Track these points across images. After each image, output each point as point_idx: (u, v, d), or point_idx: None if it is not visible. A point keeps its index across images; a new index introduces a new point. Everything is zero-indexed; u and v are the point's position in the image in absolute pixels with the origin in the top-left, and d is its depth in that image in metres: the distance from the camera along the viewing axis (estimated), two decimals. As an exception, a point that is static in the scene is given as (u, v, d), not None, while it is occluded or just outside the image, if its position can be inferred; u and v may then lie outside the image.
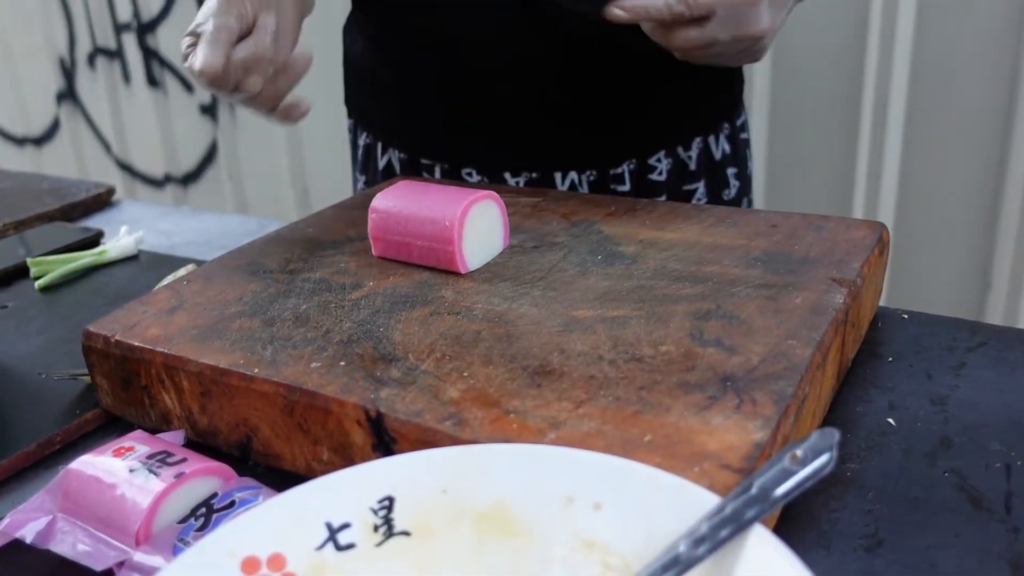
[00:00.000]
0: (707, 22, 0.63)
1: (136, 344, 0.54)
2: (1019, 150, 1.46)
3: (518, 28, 0.78)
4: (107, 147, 2.75)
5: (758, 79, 1.64)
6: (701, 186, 0.90)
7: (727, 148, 0.91)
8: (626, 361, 0.47)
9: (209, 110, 2.45)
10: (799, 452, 0.34)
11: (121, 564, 0.42)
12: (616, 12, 0.63)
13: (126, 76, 2.60)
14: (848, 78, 1.56)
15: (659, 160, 0.88)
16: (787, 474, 0.34)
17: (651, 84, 0.84)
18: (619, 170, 0.88)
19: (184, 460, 0.45)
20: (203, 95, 2.45)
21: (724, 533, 0.32)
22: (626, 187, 0.88)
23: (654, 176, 0.88)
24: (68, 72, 2.74)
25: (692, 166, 0.89)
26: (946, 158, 1.53)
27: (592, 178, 0.87)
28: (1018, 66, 1.43)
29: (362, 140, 0.98)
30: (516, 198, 0.73)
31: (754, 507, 0.33)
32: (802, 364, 0.45)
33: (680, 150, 0.89)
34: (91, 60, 2.66)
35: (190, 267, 0.76)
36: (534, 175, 0.88)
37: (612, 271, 0.58)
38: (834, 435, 0.34)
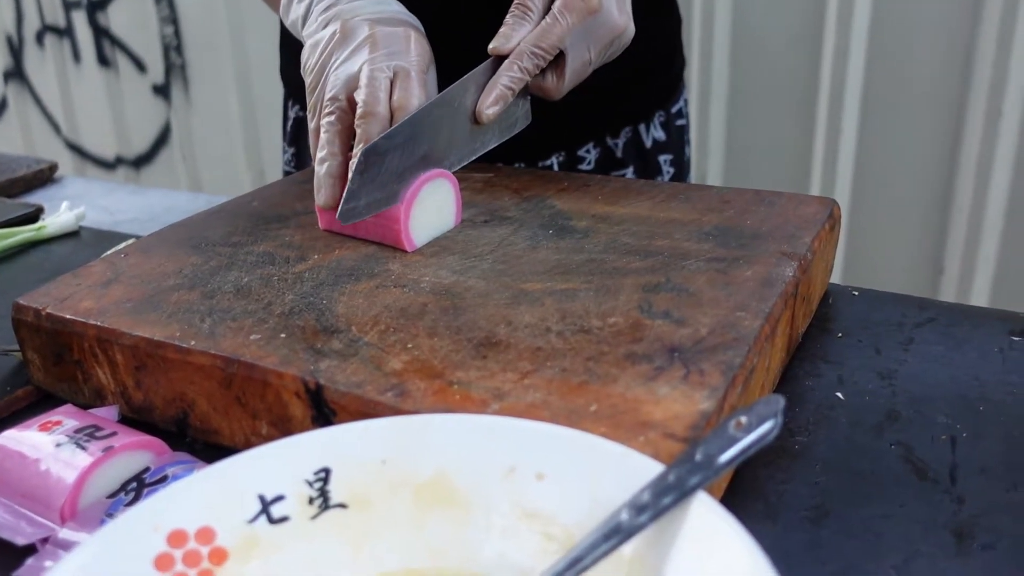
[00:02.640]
0: (566, 56, 0.62)
1: (68, 317, 0.52)
2: (972, 133, 1.48)
3: (444, 20, 0.76)
4: (56, 128, 2.68)
5: (717, 58, 1.64)
6: (629, 173, 0.90)
7: (660, 135, 0.91)
8: (573, 333, 0.46)
9: (162, 90, 2.40)
10: (744, 419, 0.33)
11: (45, 540, 0.40)
12: (487, 114, 0.61)
13: (76, 55, 2.53)
14: (806, 58, 1.57)
15: (588, 151, 0.88)
16: (731, 441, 0.33)
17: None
18: (548, 162, 0.87)
19: (114, 434, 0.44)
20: (156, 75, 2.39)
21: (667, 500, 0.32)
22: None
23: (583, 167, 0.88)
24: (15, 50, 2.66)
25: (618, 153, 0.89)
26: (901, 140, 1.54)
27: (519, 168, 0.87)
28: (972, 51, 1.44)
29: (293, 112, 0.96)
30: (468, 173, 0.72)
31: (697, 474, 0.32)
32: (750, 335, 0.45)
33: (608, 139, 0.88)
34: (39, 38, 2.59)
35: (130, 242, 0.74)
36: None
37: (563, 245, 0.57)
38: (779, 401, 0.33)
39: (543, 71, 0.63)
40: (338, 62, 0.61)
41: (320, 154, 0.59)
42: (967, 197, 1.51)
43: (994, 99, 1.44)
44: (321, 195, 0.59)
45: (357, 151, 0.57)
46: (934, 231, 1.57)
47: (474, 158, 0.64)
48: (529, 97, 0.66)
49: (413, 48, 0.62)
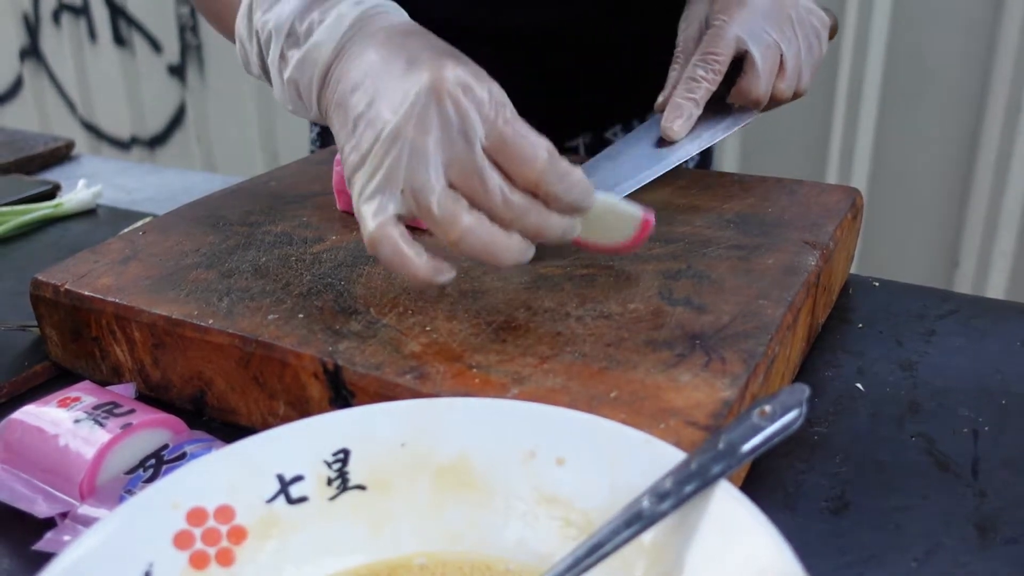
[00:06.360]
0: (751, 52, 0.60)
1: (86, 294, 0.52)
2: (992, 126, 1.46)
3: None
4: (72, 107, 2.68)
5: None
6: None
7: None
8: (593, 318, 0.46)
9: (177, 71, 2.40)
10: (768, 408, 0.33)
11: (64, 515, 0.40)
12: (674, 129, 0.59)
13: (92, 34, 2.53)
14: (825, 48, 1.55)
15: (615, 133, 0.87)
16: (755, 430, 0.32)
17: (611, 59, 0.83)
18: (574, 143, 0.86)
19: (132, 411, 0.44)
20: (171, 55, 2.39)
21: (689, 488, 0.31)
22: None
23: None
24: (32, 28, 2.66)
25: None
26: (920, 132, 1.53)
27: None
28: (994, 43, 1.43)
29: None
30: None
31: (720, 463, 0.32)
32: (773, 324, 0.44)
33: (635, 123, 0.88)
34: (56, 16, 2.59)
35: (148, 220, 0.73)
36: None
37: (582, 230, 0.57)
38: (804, 391, 0.33)
39: (736, 78, 0.61)
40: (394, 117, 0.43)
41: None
42: (984, 191, 1.50)
43: (1015, 92, 1.43)
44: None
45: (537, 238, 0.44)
46: (951, 224, 1.56)
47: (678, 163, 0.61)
48: (738, 105, 0.63)
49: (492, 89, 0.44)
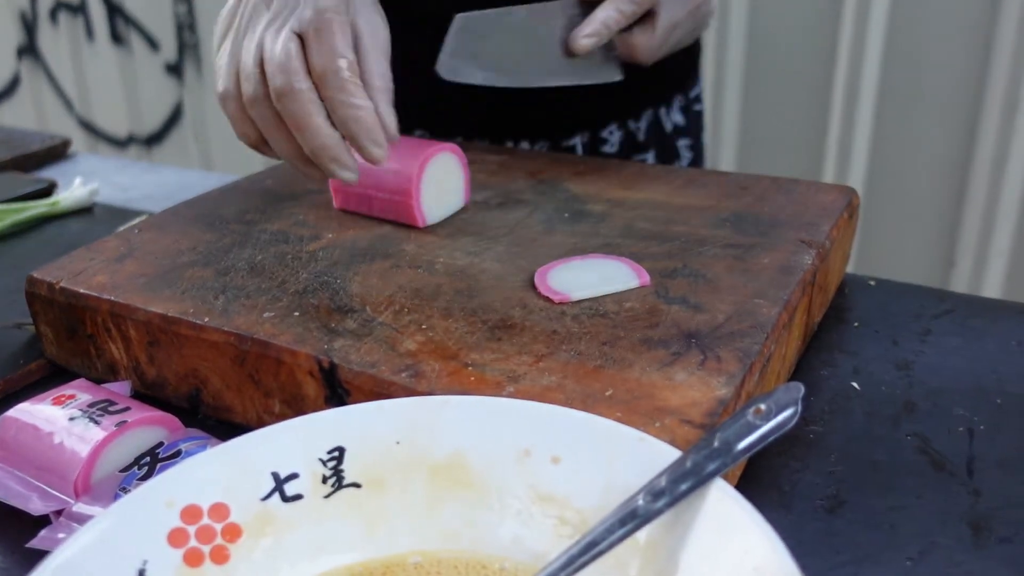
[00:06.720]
0: (657, 13, 0.62)
1: (81, 291, 0.52)
2: (988, 126, 1.46)
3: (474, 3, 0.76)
4: (69, 105, 2.68)
5: (732, 47, 1.63)
6: (650, 157, 0.89)
7: (680, 120, 0.90)
8: (589, 317, 0.46)
9: (174, 69, 2.40)
10: (763, 406, 0.33)
11: (59, 513, 0.40)
12: (582, 43, 0.61)
13: (89, 32, 2.52)
14: (821, 48, 1.56)
15: (611, 133, 0.87)
16: (750, 428, 0.32)
17: None
18: (571, 142, 0.87)
19: (127, 409, 0.43)
20: (168, 53, 2.39)
21: (684, 487, 0.31)
22: None
23: (606, 148, 0.88)
24: (29, 27, 2.66)
25: (640, 137, 0.88)
26: (916, 132, 1.53)
27: (544, 149, 0.86)
28: (991, 42, 1.43)
29: None
30: (482, 155, 0.72)
31: (715, 461, 0.32)
32: (768, 322, 0.44)
33: (631, 122, 0.88)
34: (53, 14, 2.58)
35: (144, 218, 0.73)
36: (475, 144, 0.86)
37: (578, 229, 0.57)
38: (799, 389, 0.33)
39: (631, 27, 0.63)
40: (241, 35, 0.52)
41: (274, 145, 0.51)
42: (981, 190, 1.50)
43: (1011, 92, 1.43)
44: (310, 175, 0.52)
45: (298, 134, 0.49)
46: (947, 224, 1.56)
47: (561, 84, 0.63)
48: (617, 54, 0.66)
49: None
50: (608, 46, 0.64)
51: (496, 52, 0.58)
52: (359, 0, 0.51)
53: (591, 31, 0.61)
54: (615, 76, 0.66)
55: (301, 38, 0.49)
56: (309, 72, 0.48)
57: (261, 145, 0.53)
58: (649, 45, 0.64)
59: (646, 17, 0.63)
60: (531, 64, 0.61)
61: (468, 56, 0.56)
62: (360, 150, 0.49)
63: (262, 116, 0.50)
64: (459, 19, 0.55)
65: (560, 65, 0.62)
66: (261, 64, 0.49)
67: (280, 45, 0.48)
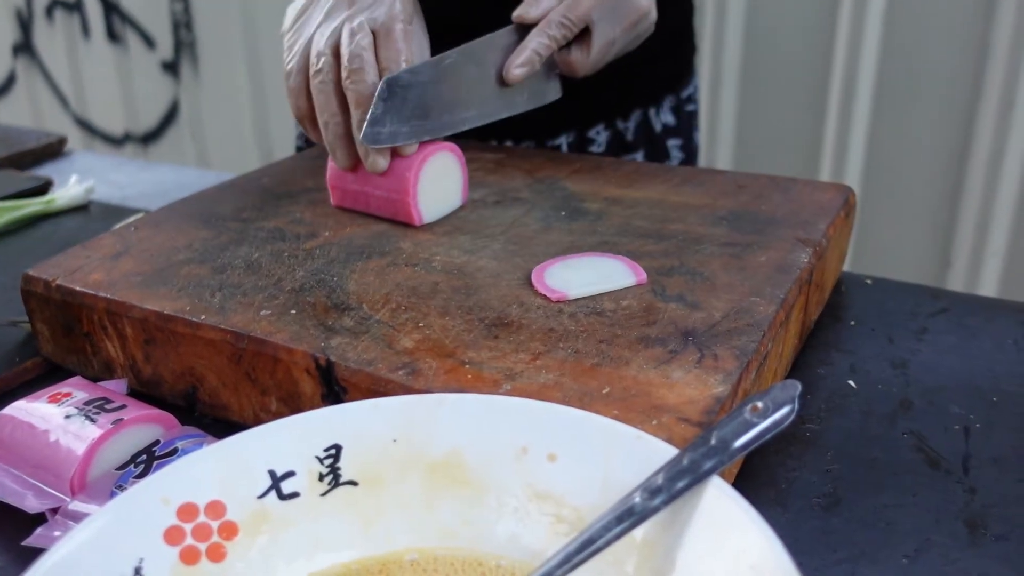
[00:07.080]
0: (592, 30, 0.62)
1: (77, 289, 0.51)
2: (984, 124, 1.46)
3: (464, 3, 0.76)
4: (65, 102, 2.67)
5: (729, 45, 1.63)
6: (639, 157, 0.89)
7: (671, 120, 0.90)
8: (586, 315, 0.46)
9: (171, 67, 2.39)
10: (760, 404, 0.33)
11: (55, 510, 0.40)
12: (514, 73, 0.61)
13: (85, 29, 2.52)
14: (818, 46, 1.56)
15: (598, 132, 0.87)
16: (747, 426, 0.32)
17: None
18: (557, 141, 0.87)
19: (124, 407, 0.43)
20: (165, 51, 2.38)
21: (680, 485, 0.31)
22: None
23: (593, 148, 0.88)
24: (25, 24, 2.65)
25: (629, 137, 0.88)
26: (913, 130, 1.53)
27: (530, 148, 0.86)
28: (987, 41, 1.43)
29: None
30: (479, 154, 0.71)
31: (712, 458, 0.32)
32: (765, 321, 0.44)
33: (619, 122, 0.88)
34: (49, 12, 2.57)
35: (140, 216, 0.73)
36: (471, 143, 0.86)
37: (575, 227, 0.57)
38: (796, 387, 0.33)
39: (569, 44, 0.63)
40: (317, 22, 0.60)
41: (322, 118, 0.58)
42: (977, 190, 1.50)
43: (1007, 91, 1.43)
44: (338, 158, 0.58)
45: (354, 110, 0.56)
46: (943, 223, 1.56)
47: (498, 118, 0.63)
48: (558, 72, 0.66)
49: (394, 2, 0.60)
50: (548, 64, 0.64)
51: (423, 103, 0.57)
52: (418, 18, 0.62)
53: (523, 60, 0.61)
54: (555, 95, 0.67)
55: (374, 34, 0.58)
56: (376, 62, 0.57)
57: (308, 119, 0.60)
58: (585, 64, 0.64)
59: (582, 35, 0.63)
60: (466, 105, 0.60)
61: (392, 116, 0.56)
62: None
63: (323, 92, 0.57)
64: (383, 83, 0.55)
65: (497, 97, 0.63)
66: (335, 48, 0.58)
67: (359, 35, 0.57)
